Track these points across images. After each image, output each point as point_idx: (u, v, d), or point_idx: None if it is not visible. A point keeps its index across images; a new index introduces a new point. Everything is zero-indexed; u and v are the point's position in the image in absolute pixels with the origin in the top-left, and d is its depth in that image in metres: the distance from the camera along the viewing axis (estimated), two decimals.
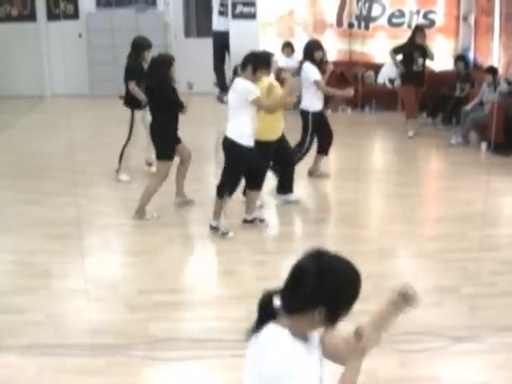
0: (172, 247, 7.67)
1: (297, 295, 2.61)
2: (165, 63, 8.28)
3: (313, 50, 9.45)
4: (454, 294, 6.35)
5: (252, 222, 8.07)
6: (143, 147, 10.01)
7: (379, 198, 9.64)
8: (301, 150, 9.46)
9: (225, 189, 7.79)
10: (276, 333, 2.62)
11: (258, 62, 7.52)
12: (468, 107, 11.66)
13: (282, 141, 8.48)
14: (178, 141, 8.49)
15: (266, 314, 2.67)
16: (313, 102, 9.39)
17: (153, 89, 8.28)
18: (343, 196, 9.44)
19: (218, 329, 5.74)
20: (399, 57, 12.69)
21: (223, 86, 14.04)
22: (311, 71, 9.30)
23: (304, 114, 9.41)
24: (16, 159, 11.22)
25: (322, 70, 9.49)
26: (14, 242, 7.77)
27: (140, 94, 9.31)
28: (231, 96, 7.64)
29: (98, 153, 11.38)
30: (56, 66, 16.69)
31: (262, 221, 8.14)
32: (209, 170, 9.60)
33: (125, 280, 6.87)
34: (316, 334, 2.75)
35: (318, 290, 2.58)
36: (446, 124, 12.92)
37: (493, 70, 11.68)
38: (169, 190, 8.86)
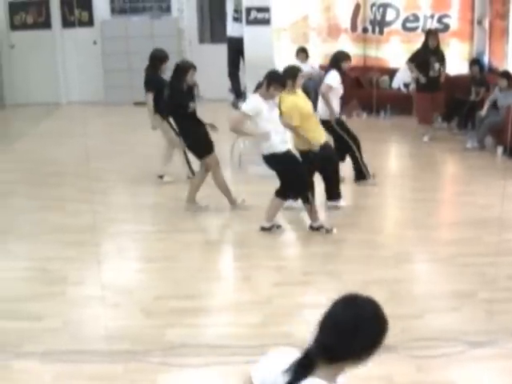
0: (188, 253, 7.68)
1: (349, 344, 2.55)
2: (179, 70, 8.40)
3: (340, 60, 9.59)
4: (470, 298, 6.31)
5: (269, 229, 8.05)
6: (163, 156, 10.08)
7: (395, 202, 9.62)
8: (353, 153, 9.69)
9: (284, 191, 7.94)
10: None
11: (270, 79, 7.69)
12: (483, 112, 11.61)
13: (325, 148, 8.52)
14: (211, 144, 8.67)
15: (303, 370, 2.57)
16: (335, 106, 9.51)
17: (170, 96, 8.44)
18: (359, 201, 9.44)
19: (234, 335, 5.74)
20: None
21: (238, 92, 14.01)
22: (331, 76, 9.41)
23: (327, 124, 9.43)
24: (32, 166, 11.27)
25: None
26: (30, 249, 7.80)
27: (150, 109, 9.48)
28: None
29: (113, 160, 11.40)
30: (71, 73, 16.78)
31: (278, 227, 8.13)
32: (225, 175, 9.57)
33: (141, 286, 6.88)
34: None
35: (369, 337, 2.57)
36: (462, 128, 12.87)
37: (507, 75, 11.63)
38: (183, 196, 8.89)
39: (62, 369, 5.32)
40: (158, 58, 9.76)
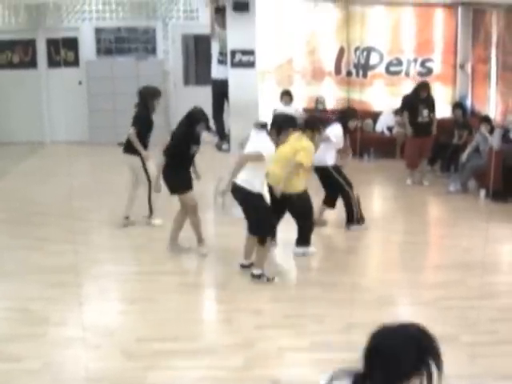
0: (170, 295, 7.63)
1: (397, 371, 2.63)
2: (192, 118, 8.62)
3: (349, 118, 9.85)
4: (453, 342, 6.29)
5: (259, 277, 8.01)
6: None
7: (380, 245, 9.63)
8: (348, 198, 9.75)
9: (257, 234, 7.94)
10: None
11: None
12: (463, 157, 11.71)
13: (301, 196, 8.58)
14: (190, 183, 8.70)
15: None
16: (331, 155, 9.61)
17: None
18: (342, 244, 9.45)
19: (215, 378, 5.70)
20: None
21: (222, 134, 14.04)
22: (334, 129, 9.62)
23: (324, 170, 9.54)
24: (14, 205, 11.23)
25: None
26: (12, 289, 7.73)
27: (136, 143, 9.42)
28: None
29: (97, 200, 11.38)
30: (56, 112, 16.79)
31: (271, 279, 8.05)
32: (208, 217, 9.59)
33: (122, 328, 6.83)
34: None
35: (412, 361, 2.64)
36: (445, 171, 12.96)
37: (488, 120, 11.76)
38: (165, 236, 8.88)
39: None
40: (149, 94, 9.70)
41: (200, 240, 8.85)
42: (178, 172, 8.56)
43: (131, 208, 9.91)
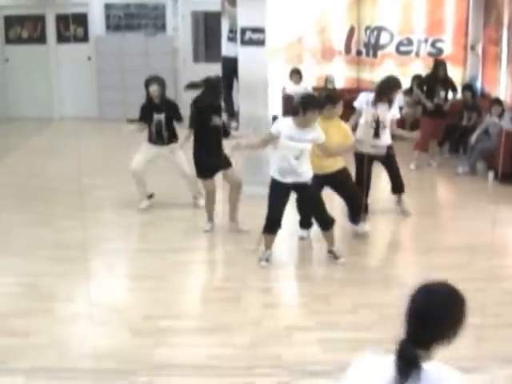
0: (178, 272, 7.65)
1: (438, 329, 2.75)
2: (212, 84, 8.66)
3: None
4: None
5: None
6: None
7: (386, 226, 9.62)
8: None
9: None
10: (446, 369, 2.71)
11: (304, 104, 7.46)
12: (473, 139, 11.64)
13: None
14: (219, 164, 8.62)
15: (408, 364, 2.65)
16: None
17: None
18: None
19: (222, 356, 5.71)
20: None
21: (231, 113, 14.03)
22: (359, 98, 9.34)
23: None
24: (23, 181, 11.25)
25: None
26: (20, 265, 7.76)
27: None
28: None
29: (105, 176, 11.39)
30: (65, 88, 16.79)
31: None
32: (218, 195, 9.57)
33: (130, 305, 6.86)
34: None
35: (452, 317, 2.79)
36: (453, 153, 12.90)
37: (499, 102, 11.69)
38: (177, 215, 8.89)
39: None
40: (145, 85, 9.54)
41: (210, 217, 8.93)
42: (198, 155, 8.57)
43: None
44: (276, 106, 14.12)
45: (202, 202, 9.55)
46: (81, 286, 6.97)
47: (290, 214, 8.50)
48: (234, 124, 13.21)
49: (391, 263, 8.02)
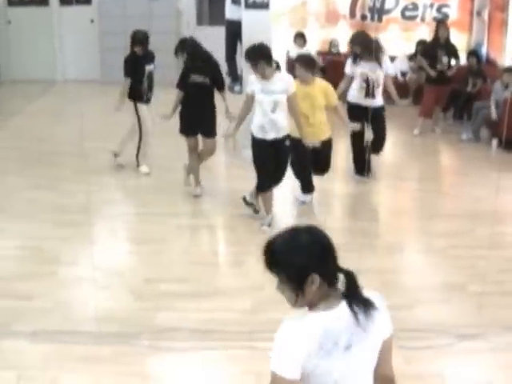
0: (180, 237, 7.68)
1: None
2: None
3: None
4: (460, 291, 6.34)
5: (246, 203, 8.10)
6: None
7: (389, 192, 9.62)
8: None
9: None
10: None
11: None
12: (493, 114, 11.29)
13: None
14: (202, 125, 8.62)
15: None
16: (349, 92, 9.44)
17: None
18: (352, 190, 9.42)
19: (224, 320, 5.75)
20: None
21: (234, 76, 14.00)
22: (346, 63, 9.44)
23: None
24: (26, 144, 11.24)
25: None
26: (23, 228, 7.79)
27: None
28: None
29: (108, 139, 11.32)
30: (68, 50, 16.68)
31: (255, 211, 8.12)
32: (219, 159, 9.58)
33: (132, 268, 6.90)
34: None
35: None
36: (457, 119, 12.85)
37: (510, 70, 11.57)
38: (180, 179, 8.89)
39: (50, 349, 5.35)
40: (133, 40, 9.53)
41: (186, 181, 8.98)
42: (181, 112, 8.60)
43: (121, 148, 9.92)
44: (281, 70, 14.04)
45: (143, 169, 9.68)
46: (84, 249, 7.01)
47: (291, 178, 8.52)
48: (237, 87, 13.18)
49: (393, 229, 8.03)
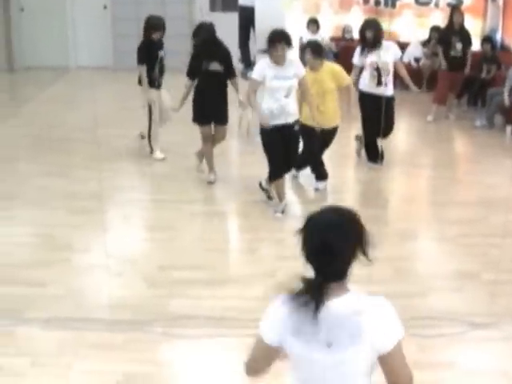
0: (193, 224, 7.68)
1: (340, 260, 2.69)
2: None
3: (364, 31, 9.37)
4: (474, 279, 6.31)
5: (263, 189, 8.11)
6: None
7: (402, 179, 9.59)
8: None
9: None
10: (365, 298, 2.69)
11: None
12: (506, 100, 11.18)
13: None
14: (216, 113, 8.59)
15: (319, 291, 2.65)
16: (360, 81, 9.39)
17: None
18: (365, 176, 9.40)
19: (237, 307, 5.75)
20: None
21: (247, 62, 13.96)
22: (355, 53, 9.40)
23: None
24: (39, 131, 11.25)
25: None
26: (36, 215, 7.81)
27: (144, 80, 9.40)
28: None
29: (121, 126, 11.37)
30: (81, 37, 16.69)
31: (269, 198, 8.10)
32: (232, 146, 9.57)
33: (145, 255, 6.91)
34: None
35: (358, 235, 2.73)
36: (471, 106, 12.79)
37: None
38: (191, 165, 8.89)
39: (64, 336, 5.36)
40: (150, 26, 9.46)
41: (199, 167, 9.00)
42: (195, 100, 8.56)
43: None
44: (293, 56, 13.99)
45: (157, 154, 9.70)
46: (97, 236, 7.03)
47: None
48: (250, 73, 13.14)
49: (406, 216, 8.00)
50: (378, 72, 9.11)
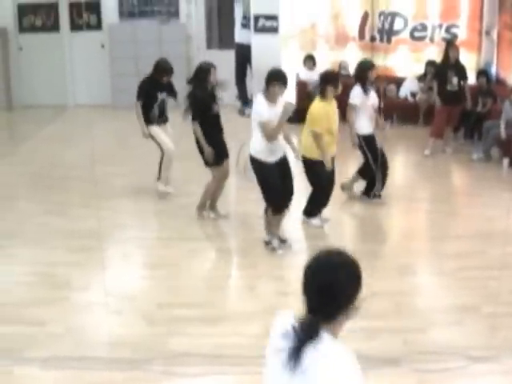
0: (192, 261, 7.67)
1: (338, 300, 2.71)
2: (201, 71, 8.53)
3: (364, 71, 9.24)
4: (473, 313, 6.30)
5: (269, 243, 7.92)
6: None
7: (400, 213, 9.60)
8: (371, 180, 9.44)
9: (267, 205, 7.81)
10: (339, 347, 2.69)
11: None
12: (502, 133, 11.20)
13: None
14: (224, 153, 8.63)
15: (308, 337, 2.66)
16: (360, 124, 9.19)
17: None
18: (362, 211, 9.42)
19: (236, 345, 5.74)
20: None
21: (244, 99, 14.04)
22: (353, 94, 9.19)
23: (357, 138, 9.26)
24: (38, 169, 11.29)
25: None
26: (35, 253, 7.81)
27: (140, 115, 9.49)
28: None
29: (120, 164, 11.42)
30: (79, 76, 16.81)
31: (283, 241, 7.99)
32: (230, 183, 9.57)
33: (144, 293, 6.90)
34: None
35: (353, 287, 2.73)
36: (468, 139, 12.85)
37: None
38: (192, 203, 8.90)
39: (63, 375, 5.35)
40: (160, 69, 9.56)
41: (203, 207, 8.91)
42: (210, 142, 8.52)
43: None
44: (289, 92, 14.08)
45: (160, 186, 9.70)
46: (96, 274, 7.03)
47: (302, 201, 8.53)
48: (248, 111, 13.22)
49: (405, 251, 8.00)
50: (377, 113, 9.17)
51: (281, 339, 2.70)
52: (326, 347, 2.63)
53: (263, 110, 7.42)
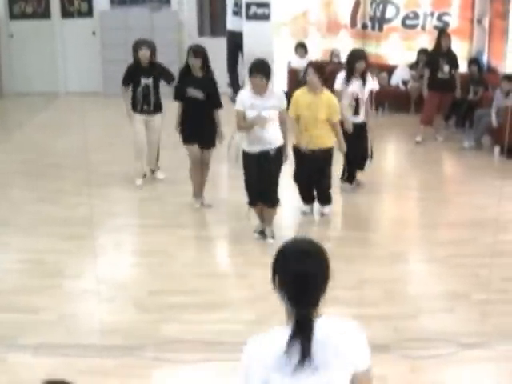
0: (184, 248, 7.69)
1: (321, 288, 2.75)
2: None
3: (355, 62, 9.16)
4: (464, 300, 6.34)
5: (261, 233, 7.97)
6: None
7: (391, 201, 9.63)
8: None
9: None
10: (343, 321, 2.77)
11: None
12: (493, 121, 11.28)
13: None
14: (202, 136, 8.62)
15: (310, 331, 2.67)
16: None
17: None
18: (355, 199, 9.43)
19: (228, 331, 5.76)
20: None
21: (236, 87, 14.00)
22: (337, 80, 9.24)
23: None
24: (30, 157, 11.27)
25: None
26: (27, 241, 7.81)
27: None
28: None
29: (111, 152, 11.40)
30: (70, 63, 16.74)
31: (261, 233, 7.94)
32: (221, 171, 9.60)
33: (136, 280, 6.91)
34: None
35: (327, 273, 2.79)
36: (459, 127, 12.87)
37: (509, 78, 11.57)
38: (184, 190, 8.90)
39: (55, 362, 5.35)
40: (132, 50, 9.64)
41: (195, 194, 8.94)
42: (183, 122, 8.61)
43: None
44: (281, 80, 14.07)
45: (160, 175, 9.81)
46: (88, 262, 7.02)
47: (292, 188, 8.54)
48: None
49: (396, 238, 8.03)
50: (357, 102, 9.14)
51: (282, 356, 2.66)
52: (331, 328, 2.69)
53: (242, 98, 7.44)
